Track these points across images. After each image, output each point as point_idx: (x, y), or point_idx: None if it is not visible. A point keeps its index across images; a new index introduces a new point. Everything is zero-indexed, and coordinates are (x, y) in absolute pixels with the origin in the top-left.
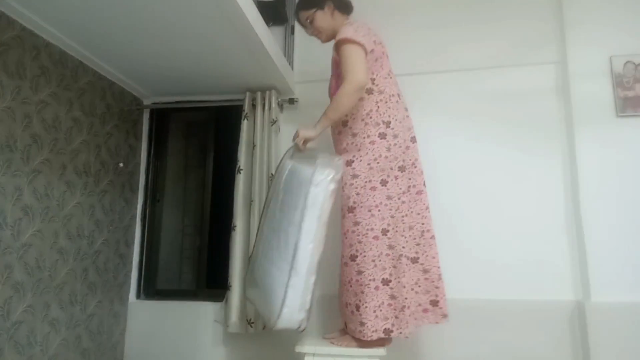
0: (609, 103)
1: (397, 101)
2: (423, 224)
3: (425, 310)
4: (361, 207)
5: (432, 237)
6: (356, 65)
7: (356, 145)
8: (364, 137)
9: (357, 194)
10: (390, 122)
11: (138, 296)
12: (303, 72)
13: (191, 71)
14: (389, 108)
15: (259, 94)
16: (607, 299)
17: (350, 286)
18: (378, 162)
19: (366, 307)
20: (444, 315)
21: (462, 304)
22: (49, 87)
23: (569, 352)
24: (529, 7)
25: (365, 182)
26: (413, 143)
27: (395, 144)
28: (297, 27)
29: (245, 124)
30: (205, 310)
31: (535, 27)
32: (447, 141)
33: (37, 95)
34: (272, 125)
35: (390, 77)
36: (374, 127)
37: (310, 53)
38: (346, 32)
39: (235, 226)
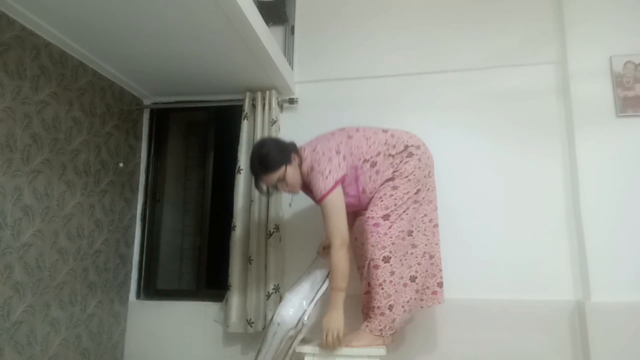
0: (609, 103)
1: (392, 135)
2: (433, 216)
3: (434, 293)
4: (395, 213)
5: (436, 225)
6: (339, 223)
7: (392, 170)
8: (398, 163)
9: (395, 204)
10: (407, 146)
11: (138, 296)
12: (303, 72)
13: (191, 71)
14: (396, 144)
15: (259, 94)
16: (607, 299)
17: (382, 288)
18: (414, 174)
19: (397, 304)
20: (443, 299)
21: (462, 304)
22: (49, 87)
23: (569, 352)
24: (528, 7)
25: (404, 193)
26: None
27: (423, 153)
28: (297, 27)
29: (245, 124)
30: (205, 310)
31: (535, 27)
32: (446, 141)
33: (37, 95)
34: (272, 125)
35: (368, 138)
36: (399, 156)
37: (310, 53)
38: (319, 185)
39: (235, 226)
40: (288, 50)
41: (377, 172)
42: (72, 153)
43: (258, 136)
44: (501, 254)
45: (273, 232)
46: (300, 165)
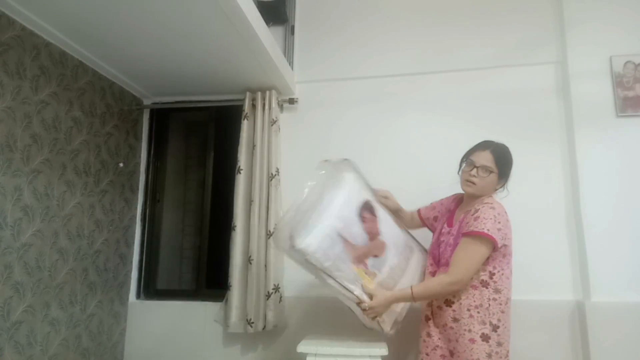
0: (609, 103)
1: (509, 308)
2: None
3: None
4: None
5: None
6: (470, 267)
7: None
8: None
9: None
10: (498, 327)
11: (138, 296)
12: (303, 72)
13: (191, 71)
14: (502, 312)
15: (259, 94)
16: (607, 299)
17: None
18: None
19: None
20: None
21: None
22: (49, 87)
23: (569, 352)
24: (529, 7)
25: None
26: None
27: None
28: (297, 27)
29: (245, 124)
30: (205, 310)
31: (535, 27)
32: (446, 141)
33: (37, 95)
34: (272, 125)
35: (509, 279)
36: (479, 324)
37: (310, 53)
38: (485, 223)
39: (235, 226)
40: (288, 50)
41: (473, 288)
42: (72, 153)
43: (258, 136)
44: None
45: (273, 232)
46: (491, 194)
